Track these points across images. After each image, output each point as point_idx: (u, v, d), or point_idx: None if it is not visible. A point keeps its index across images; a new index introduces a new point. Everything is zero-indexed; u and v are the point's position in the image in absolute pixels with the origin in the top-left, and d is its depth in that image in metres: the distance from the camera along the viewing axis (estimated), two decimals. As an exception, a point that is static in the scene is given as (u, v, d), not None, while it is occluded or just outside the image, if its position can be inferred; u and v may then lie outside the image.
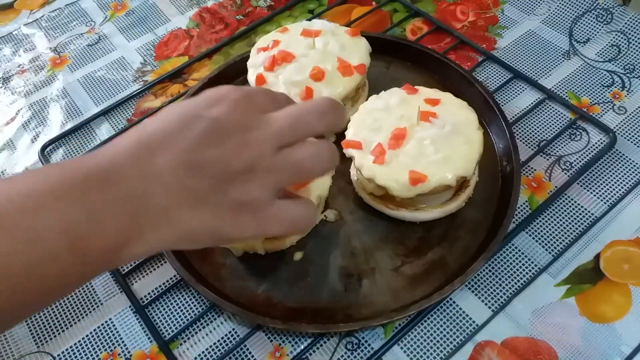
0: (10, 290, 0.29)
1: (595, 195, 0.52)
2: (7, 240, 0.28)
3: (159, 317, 0.49)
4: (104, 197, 0.31)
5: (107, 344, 0.48)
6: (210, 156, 0.32)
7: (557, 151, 0.56)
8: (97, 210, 0.31)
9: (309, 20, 0.64)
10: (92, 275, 0.33)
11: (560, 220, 0.51)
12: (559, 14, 0.67)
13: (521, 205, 0.52)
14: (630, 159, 0.54)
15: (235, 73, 0.64)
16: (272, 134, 0.34)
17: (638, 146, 0.55)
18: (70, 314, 0.50)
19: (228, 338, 0.48)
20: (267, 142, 0.34)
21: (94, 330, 0.49)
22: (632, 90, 0.59)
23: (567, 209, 0.52)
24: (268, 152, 0.34)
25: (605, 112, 0.58)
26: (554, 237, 0.50)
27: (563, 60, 0.63)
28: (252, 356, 0.46)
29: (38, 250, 0.29)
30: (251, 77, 0.57)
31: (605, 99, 0.59)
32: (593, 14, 0.65)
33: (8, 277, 0.28)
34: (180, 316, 0.49)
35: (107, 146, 0.33)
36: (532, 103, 0.60)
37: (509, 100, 0.60)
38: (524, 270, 0.49)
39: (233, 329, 0.48)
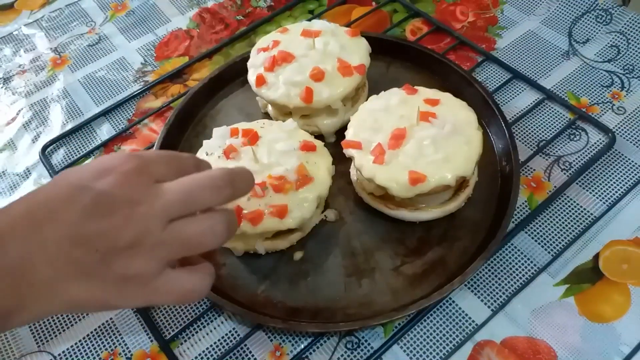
0: None
1: (594, 195, 0.52)
2: None
3: (159, 317, 0.49)
4: None
5: (108, 343, 0.48)
6: (95, 230, 0.32)
7: (557, 151, 0.56)
8: None
9: (309, 20, 0.64)
10: None
11: (560, 220, 0.51)
12: (558, 14, 0.67)
13: (520, 205, 0.52)
14: (629, 159, 0.54)
15: (235, 73, 0.64)
16: (161, 209, 0.33)
17: (637, 146, 0.55)
18: (70, 313, 0.50)
19: (228, 337, 0.48)
20: (155, 217, 0.33)
21: (95, 329, 0.49)
22: (631, 91, 0.59)
23: (567, 208, 0.52)
24: (156, 226, 0.33)
25: (605, 112, 0.58)
26: (553, 237, 0.50)
27: (562, 61, 0.63)
28: (253, 355, 0.46)
29: None
30: (251, 77, 0.57)
31: (605, 99, 0.59)
32: (592, 14, 0.66)
33: None
34: (180, 316, 0.49)
35: (4, 211, 0.33)
36: (531, 103, 0.60)
37: (509, 101, 0.60)
38: (523, 269, 0.49)
39: (233, 329, 0.48)
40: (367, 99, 0.54)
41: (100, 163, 0.34)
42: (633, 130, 0.56)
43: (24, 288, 0.31)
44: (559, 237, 0.50)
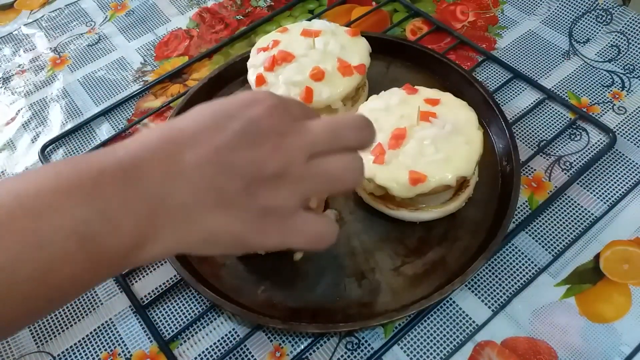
0: (19, 298, 0.28)
1: (595, 195, 0.52)
2: (15, 245, 0.27)
3: (159, 317, 0.49)
4: (120, 195, 0.29)
5: (107, 344, 0.48)
6: (242, 157, 0.31)
7: (557, 151, 0.56)
8: (111, 209, 0.29)
9: (309, 20, 0.64)
10: (105, 277, 0.33)
11: (560, 220, 0.51)
12: (558, 14, 0.67)
13: (521, 205, 0.52)
14: (630, 159, 0.54)
15: (235, 73, 0.64)
16: (307, 142, 0.33)
17: (638, 146, 0.55)
18: (70, 314, 0.50)
19: (228, 338, 0.48)
20: (301, 149, 0.33)
21: (94, 330, 0.49)
22: (631, 91, 0.59)
23: (567, 209, 0.52)
24: (301, 159, 0.32)
25: (605, 112, 0.58)
26: (553, 237, 0.50)
27: (563, 61, 0.63)
28: (252, 356, 0.46)
29: (47, 254, 0.27)
30: (251, 77, 0.57)
31: (605, 99, 0.59)
32: (593, 14, 0.66)
33: (17, 284, 0.27)
34: (180, 316, 0.49)
35: (129, 140, 0.32)
36: (532, 103, 0.60)
37: (509, 100, 0.60)
38: (524, 270, 0.49)
39: (233, 329, 0.48)
40: (367, 99, 0.54)
41: (244, 96, 0.34)
42: (634, 130, 0.56)
43: (161, 215, 0.30)
44: (559, 237, 0.50)
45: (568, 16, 0.67)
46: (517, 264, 0.49)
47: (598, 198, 0.52)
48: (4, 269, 0.27)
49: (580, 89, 0.60)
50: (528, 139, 0.57)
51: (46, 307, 0.31)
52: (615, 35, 0.64)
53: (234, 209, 0.31)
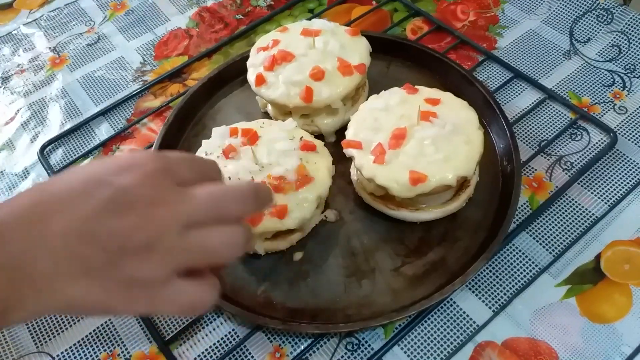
0: None
1: (596, 195, 0.52)
2: None
3: (158, 318, 0.49)
4: None
5: (107, 344, 0.48)
6: (108, 227, 0.30)
7: (558, 151, 0.56)
8: None
9: (309, 19, 0.64)
10: None
11: (561, 220, 0.51)
12: (559, 13, 0.67)
13: (522, 205, 0.52)
14: (631, 158, 0.54)
15: (235, 73, 0.64)
16: (183, 213, 0.31)
17: (639, 146, 0.55)
18: (69, 315, 0.50)
19: (228, 339, 0.47)
20: (174, 220, 0.31)
21: (94, 330, 0.49)
22: (632, 90, 0.59)
23: (568, 209, 0.52)
24: (173, 231, 0.31)
25: (606, 112, 0.58)
26: (554, 237, 0.50)
27: (564, 60, 0.63)
28: (252, 357, 0.46)
29: None
30: (251, 76, 0.57)
31: (606, 99, 0.59)
32: (593, 14, 0.65)
33: None
34: (179, 317, 0.49)
35: (4, 202, 0.31)
36: (532, 103, 0.59)
37: (510, 100, 0.60)
38: (524, 270, 0.48)
39: (233, 330, 0.48)
40: (367, 99, 0.54)
41: (121, 160, 0.33)
42: (634, 130, 0.56)
43: (23, 283, 0.30)
44: (560, 238, 0.50)
45: (569, 16, 0.66)
46: (517, 264, 0.49)
47: (599, 198, 0.52)
48: None
49: (581, 89, 0.60)
50: (529, 139, 0.57)
51: None
52: (616, 34, 0.63)
53: (97, 279, 0.31)
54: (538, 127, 0.58)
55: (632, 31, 0.63)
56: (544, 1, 0.69)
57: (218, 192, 0.33)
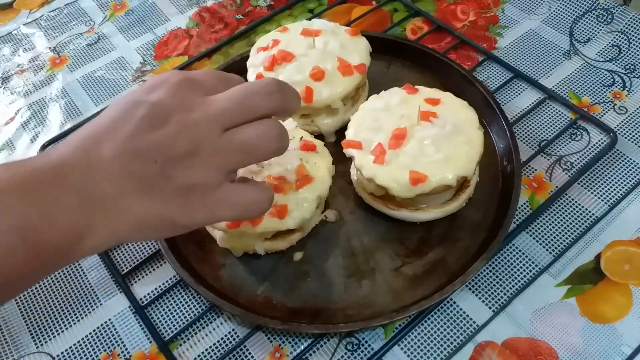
0: None
1: (596, 195, 0.52)
2: None
3: (158, 318, 0.49)
4: (52, 191, 0.31)
5: (107, 344, 0.48)
6: (151, 140, 0.32)
7: (558, 151, 0.56)
8: (47, 205, 0.31)
9: (309, 19, 0.64)
10: (49, 270, 0.34)
11: (561, 220, 0.51)
12: (559, 13, 0.67)
13: (522, 205, 0.52)
14: (631, 159, 0.54)
15: (235, 73, 0.62)
16: (215, 115, 0.33)
17: (639, 146, 0.55)
18: (69, 314, 0.50)
19: (228, 339, 0.47)
20: (210, 123, 0.33)
21: (94, 330, 0.49)
22: (632, 90, 0.59)
23: (568, 209, 0.52)
24: (211, 133, 0.33)
25: (606, 112, 0.58)
26: (554, 237, 0.50)
27: (564, 60, 0.63)
28: (252, 357, 0.46)
29: None
30: (251, 76, 0.57)
31: (606, 99, 0.59)
32: (593, 13, 0.65)
33: None
34: (179, 317, 0.49)
35: (59, 143, 0.33)
36: (532, 103, 0.59)
37: (510, 100, 0.60)
38: (524, 270, 0.48)
39: (233, 330, 0.48)
40: (367, 99, 0.54)
41: (152, 80, 0.35)
42: (635, 130, 0.56)
43: (91, 206, 0.32)
44: (560, 238, 0.50)
45: (569, 16, 0.66)
46: (517, 264, 0.49)
47: (599, 198, 0.52)
48: None
49: (581, 89, 0.60)
50: (529, 139, 0.57)
51: None
52: (616, 34, 0.63)
53: (154, 192, 0.32)
54: (538, 127, 0.58)
55: (632, 31, 0.63)
56: (544, 1, 0.69)
57: (240, 89, 0.35)
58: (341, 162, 0.52)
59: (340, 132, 0.54)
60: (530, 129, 0.58)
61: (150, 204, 0.32)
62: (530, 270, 0.48)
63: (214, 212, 0.34)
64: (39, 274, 0.33)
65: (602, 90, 0.60)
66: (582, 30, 0.65)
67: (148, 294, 0.50)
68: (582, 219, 0.51)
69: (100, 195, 0.32)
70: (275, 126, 0.35)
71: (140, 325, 0.49)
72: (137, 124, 0.32)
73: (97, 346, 0.48)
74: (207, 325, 0.48)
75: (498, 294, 0.47)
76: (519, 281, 0.48)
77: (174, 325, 0.48)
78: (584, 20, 0.65)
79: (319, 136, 0.55)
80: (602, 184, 0.53)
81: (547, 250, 0.49)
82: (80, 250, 0.32)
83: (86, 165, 0.32)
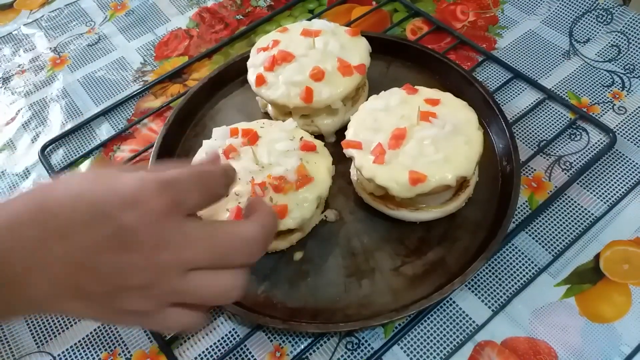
0: None
1: (595, 195, 0.52)
2: None
3: (159, 317, 0.49)
4: None
5: (108, 343, 0.48)
6: (109, 263, 0.30)
7: (557, 151, 0.56)
8: None
9: (309, 20, 0.64)
10: None
11: (560, 220, 0.51)
12: (559, 14, 0.67)
13: (521, 205, 0.52)
14: (630, 159, 0.54)
15: (235, 73, 0.64)
16: (185, 259, 0.31)
17: (638, 146, 0.55)
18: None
19: (228, 338, 0.48)
20: (176, 265, 0.31)
21: (94, 330, 0.49)
22: (632, 90, 0.59)
23: (567, 209, 0.52)
24: (173, 276, 0.31)
25: (605, 112, 0.58)
26: (554, 237, 0.50)
27: (563, 60, 0.63)
28: (252, 356, 0.46)
29: None
30: (251, 77, 0.57)
31: (605, 99, 0.59)
32: (593, 14, 0.65)
33: None
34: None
35: (2, 205, 0.31)
36: (532, 103, 0.60)
37: (509, 100, 0.60)
38: (524, 270, 0.49)
39: (233, 329, 0.48)
40: (367, 99, 0.54)
41: (130, 189, 0.31)
42: (634, 130, 0.56)
43: (19, 299, 0.31)
44: (559, 237, 0.50)
45: (568, 16, 0.67)
46: (517, 264, 0.49)
47: (598, 198, 0.52)
48: None
49: (581, 89, 0.60)
50: (528, 139, 0.57)
51: None
52: (616, 35, 0.64)
53: (93, 304, 0.32)
54: (537, 127, 0.58)
55: (632, 31, 0.63)
56: (543, 1, 0.69)
57: (225, 241, 0.33)
58: (341, 162, 0.52)
59: (340, 132, 0.54)
60: (530, 129, 0.58)
61: (83, 309, 0.32)
62: (530, 270, 0.48)
63: (147, 327, 0.36)
64: None
65: (601, 90, 0.60)
66: (582, 31, 0.65)
67: (148, 294, 0.50)
68: (581, 218, 0.51)
69: (32, 293, 0.30)
70: (239, 281, 0.34)
71: (141, 325, 0.49)
72: (101, 240, 0.30)
73: (98, 346, 0.48)
74: (208, 324, 0.48)
75: (497, 293, 0.48)
76: (518, 281, 0.48)
77: (174, 325, 0.48)
78: (584, 21, 0.66)
79: (319, 136, 0.55)
80: (601, 184, 0.53)
81: (546, 250, 0.49)
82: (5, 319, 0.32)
83: (30, 258, 0.30)
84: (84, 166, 0.62)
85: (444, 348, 0.45)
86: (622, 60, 0.62)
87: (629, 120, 0.57)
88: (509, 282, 0.48)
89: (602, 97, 0.59)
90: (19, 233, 0.30)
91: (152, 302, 0.32)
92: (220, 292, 0.33)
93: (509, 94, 0.61)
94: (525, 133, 0.57)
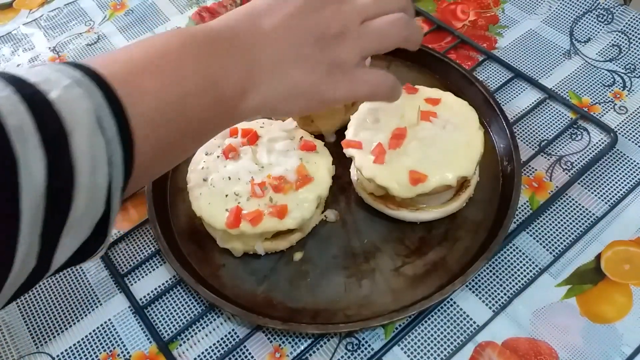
0: (164, 121, 0.33)
1: (596, 195, 0.52)
2: (157, 80, 0.33)
3: (158, 318, 0.49)
4: (228, 48, 0.36)
5: (107, 344, 0.48)
6: (309, 20, 0.38)
7: (558, 151, 0.56)
8: (224, 59, 0.36)
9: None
10: (220, 123, 0.38)
11: (561, 220, 0.51)
12: (559, 13, 0.67)
13: (522, 205, 0.52)
14: (631, 158, 0.54)
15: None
16: (360, 8, 0.40)
17: (639, 146, 0.55)
18: (69, 314, 0.50)
19: (228, 339, 0.47)
20: (355, 14, 0.40)
21: (93, 330, 0.49)
22: (633, 90, 0.59)
23: (568, 209, 0.52)
24: (356, 22, 0.40)
25: (606, 112, 0.58)
26: (554, 237, 0.50)
27: (564, 60, 0.63)
28: (252, 357, 0.46)
29: (184, 88, 0.34)
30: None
31: (606, 99, 0.59)
32: (594, 13, 0.65)
33: (161, 109, 0.32)
34: (179, 317, 0.49)
35: (216, 20, 0.38)
36: (532, 103, 0.59)
37: (510, 100, 0.60)
38: (524, 270, 0.48)
39: (233, 330, 0.48)
40: (367, 99, 0.54)
41: None
42: (635, 129, 0.56)
43: (256, 67, 0.37)
44: (560, 238, 0.50)
45: (569, 15, 0.66)
46: (518, 264, 0.49)
47: (599, 198, 0.52)
48: (150, 92, 0.32)
49: (581, 89, 0.60)
50: (529, 139, 0.57)
51: (178, 144, 0.36)
52: (616, 34, 0.63)
53: (308, 63, 0.39)
54: (538, 127, 0.58)
55: (633, 31, 0.63)
56: (544, 1, 0.69)
57: None
58: (341, 162, 0.52)
59: (340, 132, 0.54)
60: (531, 128, 0.58)
61: (304, 74, 0.38)
62: (531, 270, 0.48)
63: (354, 87, 0.41)
64: (214, 124, 0.37)
65: (602, 90, 0.60)
66: (583, 30, 0.65)
67: (148, 294, 0.50)
68: (582, 219, 0.51)
69: (264, 58, 0.37)
70: (403, 17, 0.42)
71: (140, 326, 0.49)
72: (297, 7, 0.38)
73: (97, 346, 0.48)
74: (207, 325, 0.48)
75: (498, 294, 0.47)
76: (519, 281, 0.48)
77: (173, 326, 0.48)
78: (584, 20, 0.65)
79: (319, 136, 0.55)
80: (602, 184, 0.53)
81: (547, 250, 0.49)
82: (242, 108, 0.37)
83: (252, 32, 0.38)
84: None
85: (445, 349, 0.45)
86: (623, 59, 0.62)
87: (630, 120, 0.57)
88: (510, 283, 0.48)
89: (603, 97, 0.59)
90: (239, 21, 0.38)
91: (350, 49, 0.40)
92: (393, 26, 0.41)
93: (509, 93, 0.61)
94: (526, 133, 0.57)
